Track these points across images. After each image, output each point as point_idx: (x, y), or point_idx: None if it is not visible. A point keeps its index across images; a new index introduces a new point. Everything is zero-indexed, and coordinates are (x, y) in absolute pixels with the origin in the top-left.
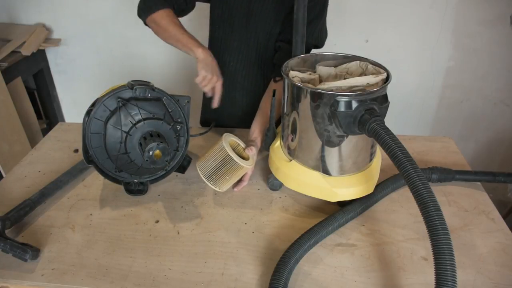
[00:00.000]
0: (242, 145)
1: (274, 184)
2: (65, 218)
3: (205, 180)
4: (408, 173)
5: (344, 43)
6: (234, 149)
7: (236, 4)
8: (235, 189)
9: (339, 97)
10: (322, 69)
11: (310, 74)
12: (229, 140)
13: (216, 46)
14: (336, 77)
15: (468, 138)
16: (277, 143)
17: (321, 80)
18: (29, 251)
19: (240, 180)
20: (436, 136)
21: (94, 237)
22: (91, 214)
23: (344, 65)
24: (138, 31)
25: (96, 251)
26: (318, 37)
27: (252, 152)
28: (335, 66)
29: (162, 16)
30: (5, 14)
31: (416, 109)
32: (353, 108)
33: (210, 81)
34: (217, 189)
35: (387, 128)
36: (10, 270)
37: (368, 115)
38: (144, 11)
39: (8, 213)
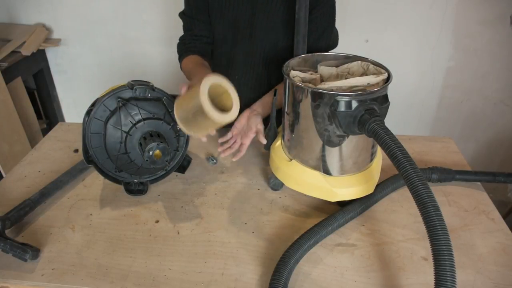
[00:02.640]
0: (231, 91)
1: (275, 184)
2: (65, 218)
3: (178, 123)
4: (407, 174)
5: (344, 43)
6: (218, 96)
7: (238, 18)
8: (226, 155)
9: (339, 97)
10: (323, 69)
11: (311, 74)
12: (212, 84)
13: (220, 61)
14: (338, 77)
15: (468, 138)
16: (278, 142)
17: (322, 80)
18: (29, 251)
19: (238, 151)
20: (436, 136)
21: (94, 237)
22: (91, 214)
23: (345, 65)
24: (138, 31)
25: (96, 251)
26: (334, 40)
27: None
28: (337, 66)
29: (186, 62)
30: (5, 14)
31: (416, 109)
32: (353, 108)
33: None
34: (192, 135)
35: (387, 128)
36: (10, 270)
37: (368, 115)
38: (179, 59)
39: (8, 213)
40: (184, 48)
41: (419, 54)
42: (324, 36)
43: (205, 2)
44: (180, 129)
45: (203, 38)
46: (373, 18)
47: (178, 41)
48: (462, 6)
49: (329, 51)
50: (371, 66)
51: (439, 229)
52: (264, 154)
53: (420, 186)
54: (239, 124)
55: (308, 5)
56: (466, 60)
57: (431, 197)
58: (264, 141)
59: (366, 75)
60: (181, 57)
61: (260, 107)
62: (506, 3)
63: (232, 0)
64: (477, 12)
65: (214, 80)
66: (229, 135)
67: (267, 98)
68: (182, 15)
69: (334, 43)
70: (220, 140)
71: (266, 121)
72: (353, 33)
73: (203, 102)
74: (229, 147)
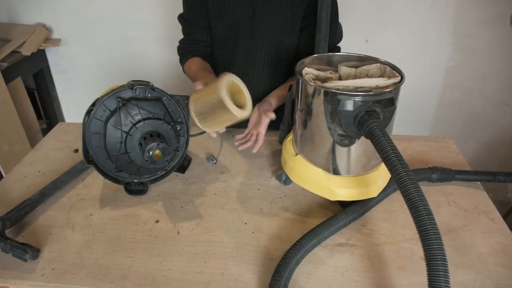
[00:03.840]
0: (244, 90)
1: (281, 177)
2: (65, 218)
3: (194, 117)
4: (400, 176)
5: (344, 43)
6: (232, 94)
7: (238, 20)
8: (245, 147)
9: (340, 95)
10: (343, 69)
11: (330, 73)
12: (229, 81)
13: (221, 62)
14: (356, 78)
15: (468, 138)
16: (290, 137)
17: (340, 80)
18: (29, 251)
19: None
20: (436, 136)
21: (94, 237)
22: (91, 214)
23: (364, 67)
24: (138, 31)
25: (96, 251)
26: (339, 34)
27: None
28: (356, 67)
29: (188, 65)
30: (5, 14)
31: (416, 109)
32: (354, 108)
33: None
34: (205, 130)
35: (385, 131)
36: (10, 270)
37: (367, 116)
38: (180, 62)
39: (8, 213)
40: (184, 51)
41: (419, 54)
42: (329, 32)
43: (203, 6)
44: (180, 128)
45: (201, 42)
46: (373, 18)
47: (178, 43)
48: (462, 6)
49: (336, 45)
50: (388, 69)
51: (432, 234)
52: (264, 154)
53: (413, 190)
54: (253, 118)
55: (330, 5)
56: (466, 60)
57: (423, 201)
58: (273, 116)
59: (383, 77)
60: (182, 59)
61: (271, 97)
62: (506, 3)
63: (232, 2)
64: (477, 12)
65: (232, 78)
66: (246, 131)
67: (278, 92)
68: (180, 18)
69: (338, 38)
70: (238, 137)
71: (280, 116)
72: (353, 33)
73: (223, 97)
74: (248, 139)
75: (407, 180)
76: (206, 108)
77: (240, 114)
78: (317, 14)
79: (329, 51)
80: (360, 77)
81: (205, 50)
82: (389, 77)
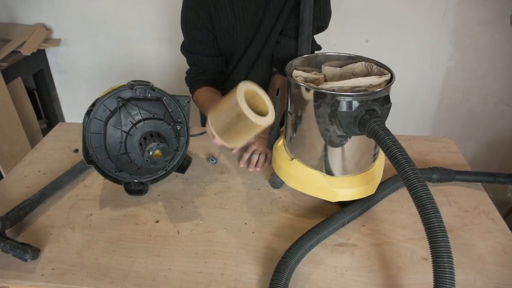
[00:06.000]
0: (262, 94)
1: (275, 182)
2: (65, 218)
3: (217, 136)
4: (407, 175)
5: (344, 43)
6: (251, 99)
7: (246, 36)
8: (254, 168)
9: (339, 97)
10: (327, 69)
11: (315, 74)
12: (245, 90)
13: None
14: (342, 77)
15: (468, 138)
16: (280, 141)
17: (326, 80)
18: (29, 251)
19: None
20: (436, 136)
21: (94, 237)
22: (91, 214)
23: (349, 66)
24: (138, 31)
25: (96, 251)
26: (321, 18)
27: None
28: (341, 67)
29: (198, 95)
30: (5, 14)
31: (416, 109)
32: (354, 109)
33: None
34: (230, 146)
35: (387, 129)
36: (10, 270)
37: (368, 115)
38: (190, 91)
39: (8, 213)
40: (192, 81)
41: (419, 54)
42: (318, 15)
43: (209, 34)
44: (180, 128)
45: (209, 71)
46: (373, 18)
47: (185, 74)
48: (462, 6)
49: (319, 33)
50: (374, 67)
51: (438, 231)
52: None
53: (420, 188)
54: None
55: (312, 5)
56: (466, 60)
57: (430, 199)
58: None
59: (370, 76)
60: (192, 89)
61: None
62: (506, 3)
63: (240, 22)
64: (477, 11)
65: (247, 85)
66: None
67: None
68: (183, 51)
69: (324, 23)
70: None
71: None
72: (353, 33)
73: (241, 105)
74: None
75: (414, 178)
76: (226, 123)
77: (262, 123)
78: (300, 15)
79: (317, 33)
80: (346, 76)
81: (214, 78)
82: (379, 75)
